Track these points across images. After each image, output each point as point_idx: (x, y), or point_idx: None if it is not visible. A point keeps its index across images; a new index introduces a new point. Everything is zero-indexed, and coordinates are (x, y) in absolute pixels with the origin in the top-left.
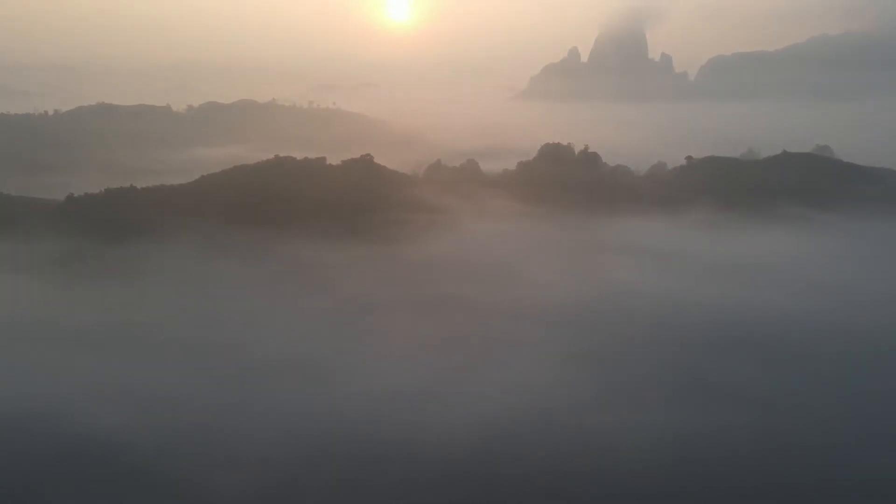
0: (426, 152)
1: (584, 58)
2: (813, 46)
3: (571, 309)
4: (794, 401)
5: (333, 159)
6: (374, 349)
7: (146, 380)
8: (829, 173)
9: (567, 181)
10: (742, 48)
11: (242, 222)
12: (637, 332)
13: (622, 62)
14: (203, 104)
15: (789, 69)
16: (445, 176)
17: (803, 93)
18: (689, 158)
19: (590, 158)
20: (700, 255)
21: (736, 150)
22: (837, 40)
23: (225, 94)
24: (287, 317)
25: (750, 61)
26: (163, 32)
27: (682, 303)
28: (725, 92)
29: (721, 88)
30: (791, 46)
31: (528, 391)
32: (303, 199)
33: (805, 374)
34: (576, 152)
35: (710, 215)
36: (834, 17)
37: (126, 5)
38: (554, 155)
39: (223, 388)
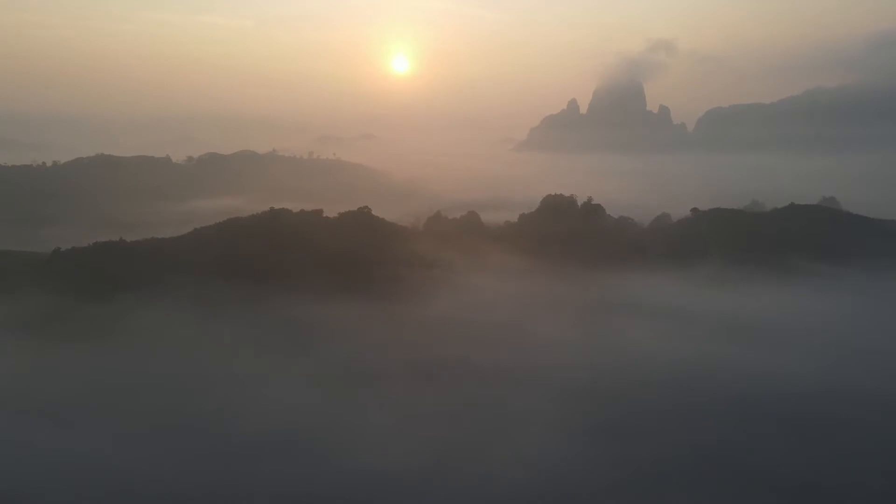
0: (426, 203)
1: (584, 109)
2: (809, 99)
3: (582, 374)
4: (826, 476)
5: (331, 211)
6: (371, 421)
7: (122, 455)
8: (839, 226)
9: (571, 234)
10: (738, 100)
11: (234, 278)
12: (652, 400)
13: (621, 114)
14: (203, 155)
15: (786, 121)
16: (446, 228)
17: (801, 144)
18: (694, 210)
19: (593, 210)
20: (713, 314)
21: (739, 202)
22: (833, 93)
23: (226, 145)
24: (278, 384)
25: (746, 113)
26: (168, 84)
27: (698, 367)
28: (724, 143)
29: (719, 140)
30: (787, 99)
31: (539, 468)
32: (297, 254)
33: (835, 445)
34: (579, 204)
35: (720, 270)
36: (829, 70)
37: (132, 58)
38: (556, 207)
39: (206, 465)
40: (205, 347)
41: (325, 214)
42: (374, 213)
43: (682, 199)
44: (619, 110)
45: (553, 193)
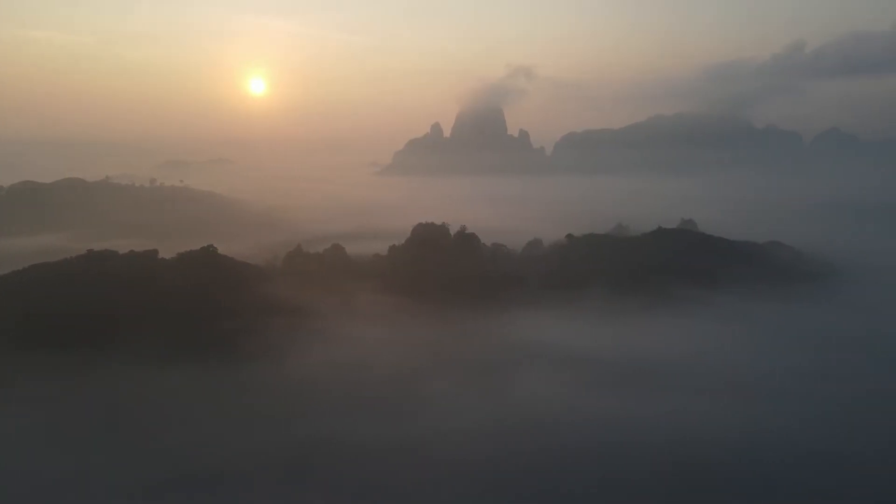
0: (286, 235)
1: (447, 133)
2: (651, 125)
3: (479, 443)
4: None
5: (170, 251)
6: None
7: None
8: (704, 249)
9: (445, 267)
10: (590, 125)
11: (35, 343)
12: (569, 466)
13: (483, 137)
14: (16, 184)
15: (632, 145)
16: (307, 265)
17: (650, 168)
18: (569, 236)
19: (467, 239)
20: (601, 353)
21: (605, 226)
22: (671, 120)
23: (49, 172)
24: (94, 493)
25: (598, 137)
26: None
27: (601, 420)
28: (580, 167)
29: (575, 163)
30: (633, 125)
31: None
32: (122, 308)
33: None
34: (451, 232)
35: (601, 300)
36: (668, 98)
37: None
38: (428, 236)
39: None
40: None
41: (161, 255)
42: (224, 250)
43: (550, 223)
44: (482, 134)
45: (423, 221)
